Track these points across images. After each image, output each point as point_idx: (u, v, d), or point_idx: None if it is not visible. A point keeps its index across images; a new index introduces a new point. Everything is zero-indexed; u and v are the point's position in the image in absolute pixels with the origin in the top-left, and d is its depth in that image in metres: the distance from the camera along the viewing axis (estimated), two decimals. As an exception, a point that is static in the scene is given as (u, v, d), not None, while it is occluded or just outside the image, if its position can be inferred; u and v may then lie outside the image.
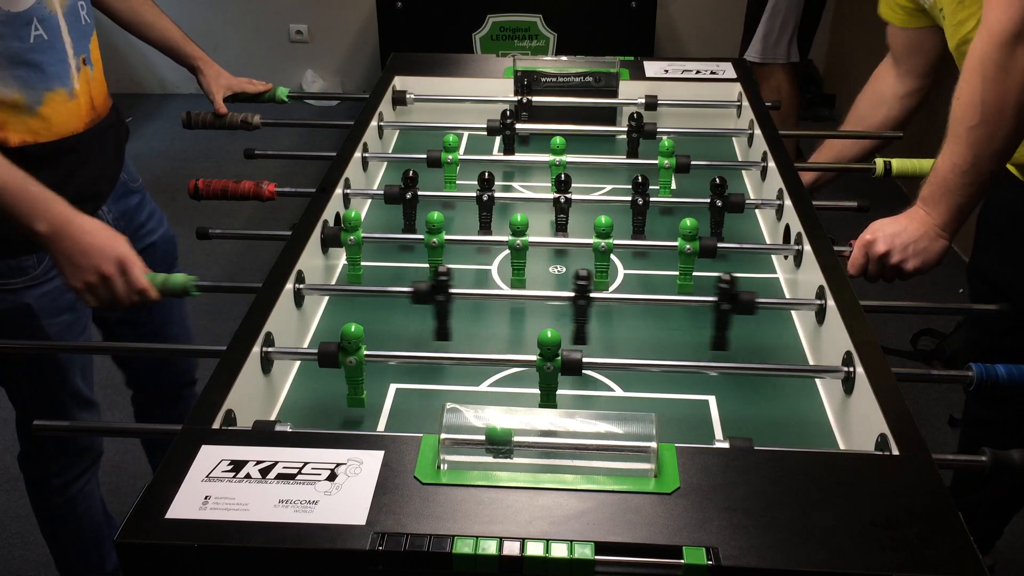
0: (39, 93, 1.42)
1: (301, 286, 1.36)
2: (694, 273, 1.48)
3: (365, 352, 1.20)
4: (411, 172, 1.63)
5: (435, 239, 1.47)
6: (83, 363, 1.68)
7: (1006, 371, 1.16)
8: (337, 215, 1.60)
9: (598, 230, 1.44)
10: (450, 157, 1.77)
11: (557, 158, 1.77)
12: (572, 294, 1.31)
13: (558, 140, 1.78)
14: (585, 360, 1.18)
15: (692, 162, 1.96)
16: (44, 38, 1.41)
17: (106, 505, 1.88)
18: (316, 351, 1.20)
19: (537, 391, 1.21)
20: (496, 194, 1.64)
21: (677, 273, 1.47)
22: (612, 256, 1.63)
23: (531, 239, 1.59)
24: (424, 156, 1.90)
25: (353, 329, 1.18)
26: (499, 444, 0.99)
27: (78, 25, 1.50)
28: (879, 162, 1.78)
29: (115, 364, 1.96)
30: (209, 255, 3.38)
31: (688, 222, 1.44)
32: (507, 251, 1.64)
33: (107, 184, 1.61)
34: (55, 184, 1.42)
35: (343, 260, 1.62)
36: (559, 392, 1.23)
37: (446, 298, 1.31)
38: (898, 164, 1.77)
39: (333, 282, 1.55)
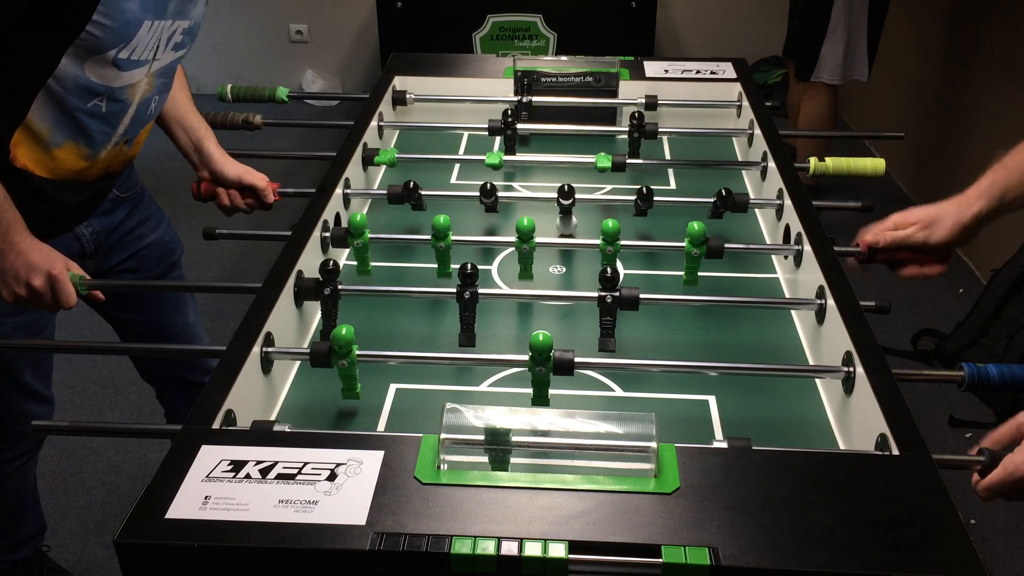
0: (63, 139, 1.44)
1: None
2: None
3: (360, 352, 1.20)
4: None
5: (443, 243, 1.47)
6: (36, 358, 1.69)
7: (997, 371, 1.16)
8: (337, 215, 1.60)
9: (605, 234, 1.44)
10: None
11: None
12: (595, 294, 1.30)
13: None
14: (577, 360, 1.18)
15: (691, 162, 1.97)
16: (102, 110, 1.44)
17: (36, 480, 1.92)
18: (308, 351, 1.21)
19: (537, 391, 1.21)
20: (497, 194, 1.63)
21: (682, 273, 1.48)
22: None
23: (535, 240, 1.59)
24: (425, 156, 1.91)
25: (344, 332, 1.17)
26: (498, 445, 0.99)
27: (144, 116, 1.54)
28: (812, 161, 1.77)
29: (131, 362, 1.98)
30: (209, 255, 3.38)
31: (696, 226, 1.43)
32: (507, 251, 1.64)
33: (91, 208, 1.61)
34: (32, 205, 1.44)
35: (342, 261, 1.62)
36: (559, 392, 1.23)
37: (472, 296, 1.32)
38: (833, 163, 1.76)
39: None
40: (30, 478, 1.88)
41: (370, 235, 1.48)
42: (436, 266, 1.50)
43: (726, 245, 1.46)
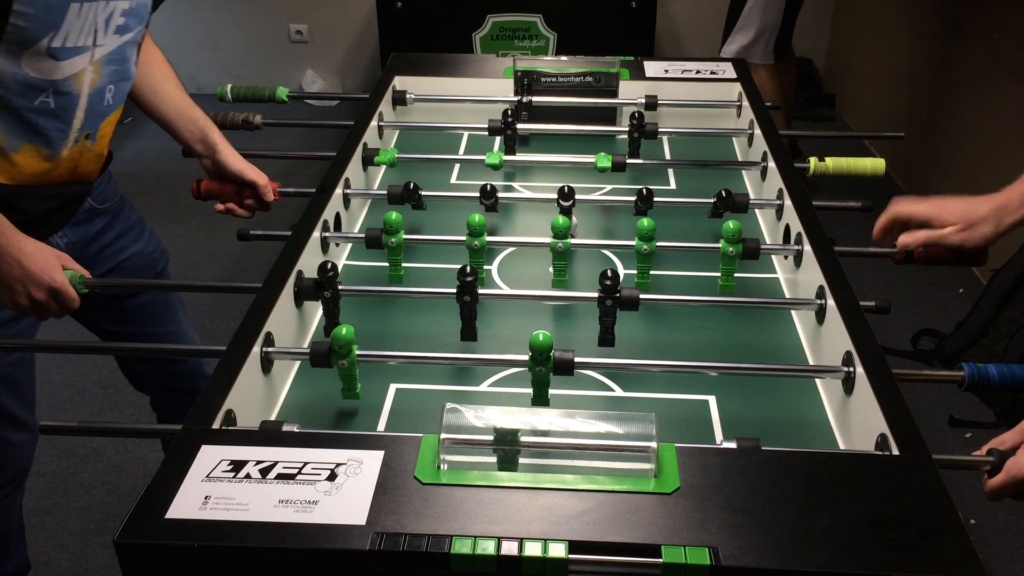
0: (19, 142, 1.40)
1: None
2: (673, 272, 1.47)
3: (360, 352, 1.20)
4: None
5: (393, 239, 1.47)
6: (14, 380, 1.61)
7: (997, 371, 1.16)
8: (337, 215, 1.60)
9: (640, 233, 1.44)
10: (392, 240, 1.49)
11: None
12: (595, 294, 1.30)
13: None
14: (578, 360, 1.18)
15: (691, 162, 1.97)
16: (50, 106, 1.40)
17: (22, 516, 1.83)
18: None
19: (537, 391, 1.21)
20: (497, 194, 1.63)
21: (719, 274, 1.47)
22: (612, 256, 1.64)
23: (532, 239, 1.59)
24: (425, 156, 1.91)
25: (344, 332, 1.17)
26: (507, 445, 0.99)
27: (99, 106, 1.49)
28: (812, 161, 1.77)
29: (120, 370, 1.92)
30: (209, 255, 3.38)
31: (731, 224, 1.44)
32: (508, 251, 1.64)
33: (64, 216, 1.57)
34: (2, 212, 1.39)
35: (342, 261, 1.62)
36: (559, 392, 1.23)
37: (473, 299, 1.31)
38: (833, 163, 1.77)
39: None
40: (13, 514, 1.77)
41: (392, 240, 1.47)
42: (437, 266, 1.50)
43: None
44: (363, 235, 1.51)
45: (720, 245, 1.45)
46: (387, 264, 1.50)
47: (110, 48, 1.45)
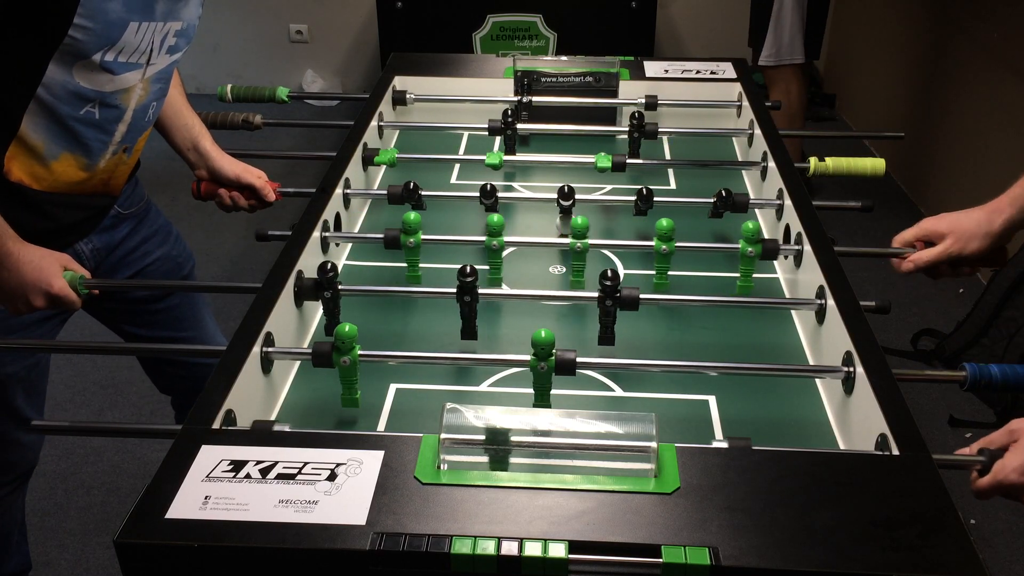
0: (59, 150, 1.41)
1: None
2: (670, 272, 1.48)
3: (360, 352, 1.20)
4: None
5: (412, 239, 1.47)
6: (31, 382, 1.62)
7: (999, 371, 1.17)
8: (337, 215, 1.60)
9: (660, 233, 1.44)
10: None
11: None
12: (596, 294, 1.30)
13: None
14: (579, 360, 1.18)
15: (691, 162, 1.97)
16: (95, 117, 1.41)
17: (24, 515, 1.83)
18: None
19: (537, 391, 1.21)
20: (497, 194, 1.63)
21: (738, 275, 1.48)
22: (612, 256, 1.64)
23: (534, 239, 1.60)
24: (425, 156, 1.91)
25: (347, 329, 1.18)
26: (497, 445, 0.99)
27: (140, 122, 1.50)
28: (812, 161, 1.77)
29: (144, 371, 1.92)
30: (209, 255, 3.38)
31: (750, 225, 1.44)
32: (508, 251, 1.64)
33: (92, 225, 1.58)
34: (28, 221, 1.41)
35: (342, 261, 1.62)
36: (559, 392, 1.23)
37: (473, 299, 1.31)
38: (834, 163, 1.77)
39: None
40: (15, 511, 1.77)
41: (372, 235, 1.48)
42: (438, 266, 1.50)
43: (727, 246, 1.45)
44: (364, 235, 1.52)
45: (740, 245, 1.45)
46: (388, 265, 1.50)
47: (160, 67, 1.47)
